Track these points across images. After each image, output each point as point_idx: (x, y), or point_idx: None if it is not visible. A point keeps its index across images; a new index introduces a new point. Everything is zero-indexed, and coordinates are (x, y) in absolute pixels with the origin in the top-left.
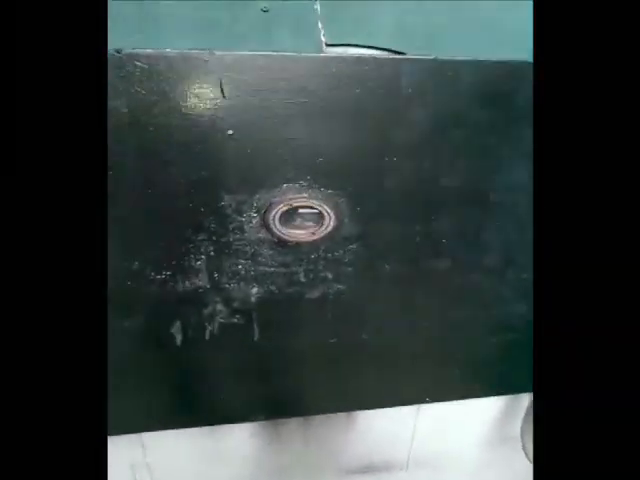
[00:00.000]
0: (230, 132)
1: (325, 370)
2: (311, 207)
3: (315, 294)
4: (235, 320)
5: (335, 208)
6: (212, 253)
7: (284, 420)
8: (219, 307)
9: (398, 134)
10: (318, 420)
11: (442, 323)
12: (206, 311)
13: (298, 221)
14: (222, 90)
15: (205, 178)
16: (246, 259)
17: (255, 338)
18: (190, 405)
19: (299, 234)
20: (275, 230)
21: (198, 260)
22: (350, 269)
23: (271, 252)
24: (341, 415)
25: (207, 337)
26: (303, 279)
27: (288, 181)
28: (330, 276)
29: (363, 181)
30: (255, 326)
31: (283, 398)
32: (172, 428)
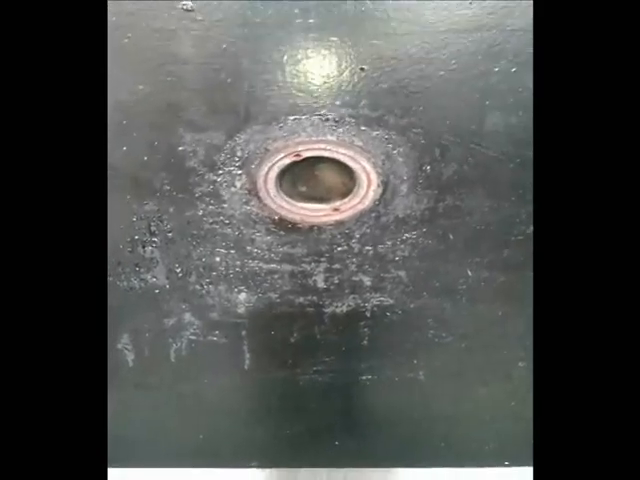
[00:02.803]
0: (187, 4)
1: (352, 418)
2: (337, 161)
3: (342, 308)
4: (214, 338)
5: (384, 165)
6: (169, 234)
7: (292, 470)
8: (188, 318)
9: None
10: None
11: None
12: (168, 322)
13: (311, 186)
14: None
15: (144, 98)
16: (227, 247)
17: (246, 366)
18: (157, 443)
19: (312, 210)
20: (269, 201)
21: (147, 244)
22: (403, 273)
23: (268, 237)
24: (370, 472)
25: (173, 359)
26: (322, 284)
27: (296, 110)
28: (368, 282)
29: (445, 114)
30: (245, 349)
31: (286, 445)
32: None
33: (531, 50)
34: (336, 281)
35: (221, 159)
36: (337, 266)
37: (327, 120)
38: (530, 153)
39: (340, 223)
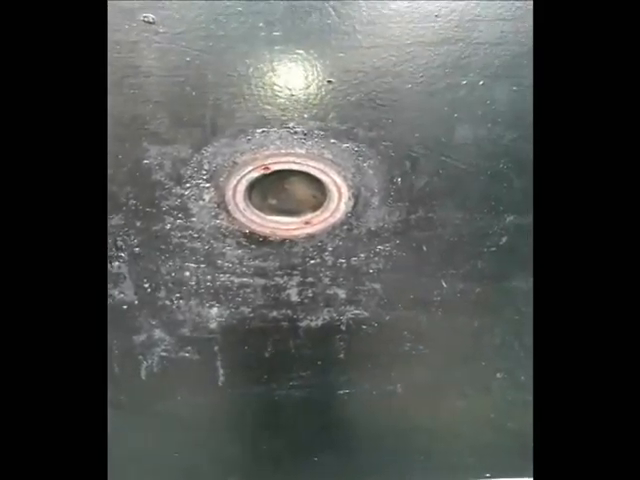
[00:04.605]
0: (149, 16)
1: (330, 433)
2: (307, 174)
3: (317, 322)
4: (186, 355)
5: (354, 177)
6: (137, 249)
7: None
8: (158, 334)
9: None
10: None
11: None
12: (138, 339)
13: (281, 199)
14: None
15: (107, 111)
16: (197, 261)
17: (220, 382)
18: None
19: (282, 223)
20: (238, 214)
21: (113, 260)
22: (377, 286)
23: (239, 251)
24: None
25: (143, 376)
26: (296, 297)
27: (264, 123)
28: (343, 295)
29: (414, 126)
30: (219, 365)
31: (263, 462)
32: None
33: (498, 63)
34: (310, 294)
35: (188, 172)
36: (310, 279)
37: (295, 133)
38: (500, 165)
39: (312, 236)
